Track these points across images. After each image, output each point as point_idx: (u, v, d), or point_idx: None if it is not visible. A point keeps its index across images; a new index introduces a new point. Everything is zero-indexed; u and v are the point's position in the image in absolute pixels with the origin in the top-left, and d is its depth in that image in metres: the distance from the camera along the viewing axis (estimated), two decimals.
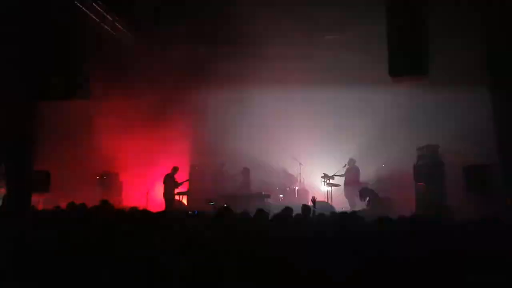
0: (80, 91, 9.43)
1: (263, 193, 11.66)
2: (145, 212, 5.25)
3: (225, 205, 8.67)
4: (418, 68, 8.32)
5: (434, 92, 10.62)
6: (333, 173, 12.57)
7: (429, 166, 10.25)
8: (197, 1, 10.79)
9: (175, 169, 12.17)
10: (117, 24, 12.04)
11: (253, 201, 10.78)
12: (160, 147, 12.99)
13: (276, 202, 11.74)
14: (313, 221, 5.96)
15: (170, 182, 11.94)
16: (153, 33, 12.07)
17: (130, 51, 12.67)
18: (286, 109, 13.27)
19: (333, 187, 12.47)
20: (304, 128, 13.14)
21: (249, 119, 13.12)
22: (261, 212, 5.69)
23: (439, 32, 8.83)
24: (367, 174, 12.72)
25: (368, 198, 11.14)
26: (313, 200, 7.54)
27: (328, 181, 12.51)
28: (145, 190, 12.70)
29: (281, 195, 13.03)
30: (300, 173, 13.53)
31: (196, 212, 5.60)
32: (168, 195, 11.82)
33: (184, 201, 12.75)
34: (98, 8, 11.02)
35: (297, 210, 6.58)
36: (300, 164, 13.31)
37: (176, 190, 12.21)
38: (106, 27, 11.64)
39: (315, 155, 13.38)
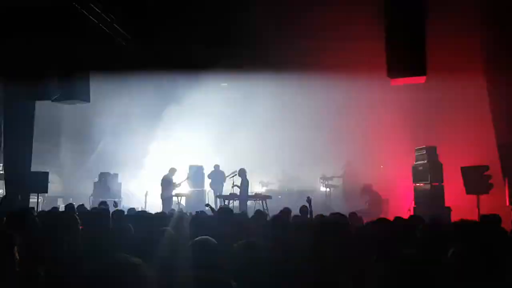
0: (80, 92, 9.41)
1: (262, 194, 11.66)
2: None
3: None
4: (416, 69, 8.33)
5: (432, 93, 10.65)
6: (332, 175, 12.60)
7: (427, 167, 10.28)
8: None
9: (172, 170, 12.15)
10: (115, 25, 12.02)
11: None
12: (159, 148, 13.02)
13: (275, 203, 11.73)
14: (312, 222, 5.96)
15: (167, 183, 11.91)
16: (153, 33, 12.05)
17: (129, 51, 12.67)
18: (286, 107, 13.25)
19: (332, 188, 12.50)
20: (302, 129, 13.16)
21: (248, 119, 13.12)
22: (260, 213, 5.71)
23: (437, 33, 8.84)
24: (365, 175, 12.73)
25: (367, 198, 11.19)
26: (308, 201, 7.49)
27: (327, 182, 12.54)
28: (143, 191, 12.70)
29: (279, 196, 13.04)
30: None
31: (194, 212, 5.60)
32: (165, 196, 11.80)
33: (183, 202, 12.74)
34: (97, 10, 11.00)
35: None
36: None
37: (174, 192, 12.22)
38: (104, 27, 11.62)
39: (313, 155, 13.38)
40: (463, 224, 4.22)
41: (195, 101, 13.28)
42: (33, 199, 10.27)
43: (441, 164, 10.14)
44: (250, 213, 6.93)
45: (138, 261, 1.75)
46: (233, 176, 11.18)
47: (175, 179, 12.11)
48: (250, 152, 12.89)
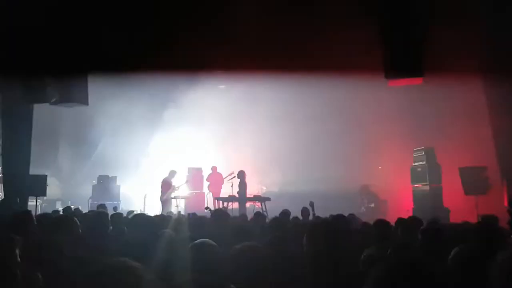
0: (78, 95, 9.38)
1: (261, 195, 11.64)
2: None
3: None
4: (414, 71, 8.35)
5: (430, 94, 10.66)
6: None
7: (426, 168, 10.30)
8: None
9: (172, 173, 12.14)
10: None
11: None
12: (157, 150, 13.01)
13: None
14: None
15: (166, 186, 11.90)
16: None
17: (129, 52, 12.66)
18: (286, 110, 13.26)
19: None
20: (300, 132, 13.16)
21: (247, 122, 13.13)
22: (259, 215, 5.71)
23: (435, 33, 8.86)
24: (364, 176, 12.74)
25: (365, 200, 11.20)
26: (311, 204, 7.59)
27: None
28: (142, 193, 12.70)
29: (279, 198, 13.02)
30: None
31: (191, 214, 5.60)
32: (165, 198, 11.78)
33: (182, 204, 12.72)
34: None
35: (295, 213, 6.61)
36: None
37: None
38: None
39: (311, 156, 13.40)
40: (463, 225, 4.23)
41: (193, 103, 13.28)
42: (31, 202, 10.25)
43: (440, 165, 10.16)
44: (249, 215, 6.93)
45: (137, 264, 1.75)
46: (231, 178, 11.17)
47: (175, 181, 12.11)
48: (249, 154, 12.90)
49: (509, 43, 8.22)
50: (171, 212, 9.43)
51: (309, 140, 13.11)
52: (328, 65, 12.08)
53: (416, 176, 10.61)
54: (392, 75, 8.57)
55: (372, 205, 11.67)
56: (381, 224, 4.34)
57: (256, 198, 11.14)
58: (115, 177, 13.09)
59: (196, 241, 2.97)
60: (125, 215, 6.57)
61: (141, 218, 4.92)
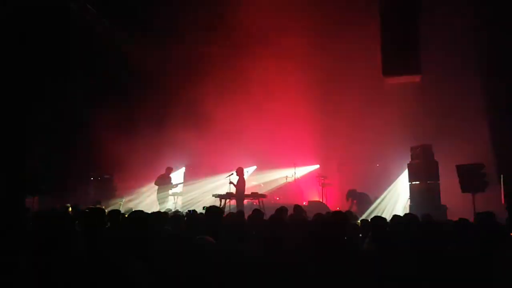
0: (80, 95, 9.39)
1: (258, 193, 11.65)
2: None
3: None
4: (411, 68, 8.37)
5: (427, 91, 10.67)
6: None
7: (423, 165, 10.31)
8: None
9: (168, 170, 12.14)
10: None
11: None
12: (154, 148, 12.98)
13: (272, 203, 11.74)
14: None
15: (163, 183, 11.90)
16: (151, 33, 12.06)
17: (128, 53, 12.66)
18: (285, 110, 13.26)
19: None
20: (298, 128, 13.15)
21: (245, 121, 13.11)
22: (257, 211, 5.72)
23: (432, 32, 8.89)
24: (361, 173, 12.78)
25: (353, 199, 11.27)
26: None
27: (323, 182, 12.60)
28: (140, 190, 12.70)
29: (277, 198, 13.05)
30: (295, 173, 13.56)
31: (191, 211, 5.60)
32: (162, 195, 11.78)
33: (179, 201, 12.72)
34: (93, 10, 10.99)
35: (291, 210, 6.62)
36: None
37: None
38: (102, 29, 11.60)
39: (309, 155, 13.41)
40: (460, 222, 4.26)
41: (193, 101, 13.27)
42: (29, 200, 10.22)
43: (437, 162, 10.16)
44: (247, 212, 6.94)
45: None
46: (230, 175, 11.17)
47: (172, 178, 12.12)
48: (248, 151, 12.90)
49: (507, 42, 8.27)
50: (168, 209, 9.43)
51: (305, 138, 13.10)
52: (326, 63, 12.16)
53: (413, 173, 10.61)
54: (390, 72, 8.59)
55: (361, 203, 11.64)
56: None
57: (254, 195, 11.14)
58: (113, 175, 13.02)
59: (196, 238, 2.99)
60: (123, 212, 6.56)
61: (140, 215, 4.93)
